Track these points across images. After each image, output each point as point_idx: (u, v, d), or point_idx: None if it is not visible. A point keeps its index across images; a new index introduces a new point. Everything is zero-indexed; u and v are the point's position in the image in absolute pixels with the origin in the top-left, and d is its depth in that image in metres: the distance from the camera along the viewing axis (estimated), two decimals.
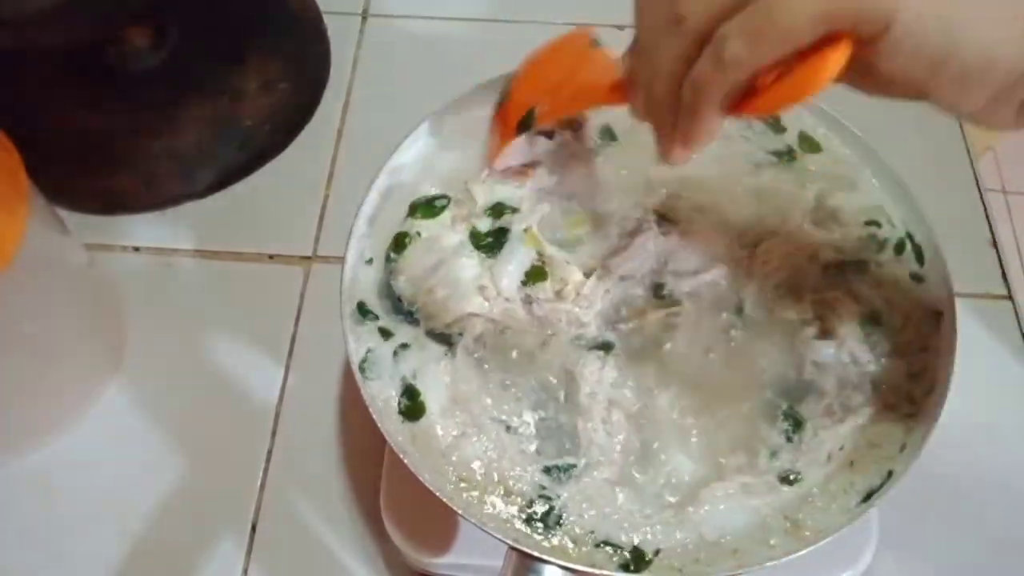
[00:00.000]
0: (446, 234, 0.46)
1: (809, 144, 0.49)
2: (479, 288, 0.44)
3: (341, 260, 0.44)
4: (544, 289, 0.44)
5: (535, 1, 0.74)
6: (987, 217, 0.63)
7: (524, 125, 0.45)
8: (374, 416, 0.40)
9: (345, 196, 0.64)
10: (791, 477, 0.40)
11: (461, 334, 0.43)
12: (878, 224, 0.46)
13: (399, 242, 0.46)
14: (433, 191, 0.47)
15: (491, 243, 0.45)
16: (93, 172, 0.64)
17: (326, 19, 0.72)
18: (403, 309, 0.44)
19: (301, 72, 0.69)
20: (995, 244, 0.62)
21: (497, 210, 0.46)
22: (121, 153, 0.64)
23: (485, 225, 0.46)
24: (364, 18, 0.74)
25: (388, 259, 0.45)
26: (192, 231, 0.63)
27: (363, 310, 0.44)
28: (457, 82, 0.48)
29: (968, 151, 0.66)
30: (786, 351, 0.43)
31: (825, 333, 0.43)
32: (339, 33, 0.72)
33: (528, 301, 0.44)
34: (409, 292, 0.44)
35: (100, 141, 0.65)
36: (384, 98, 0.69)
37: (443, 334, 0.43)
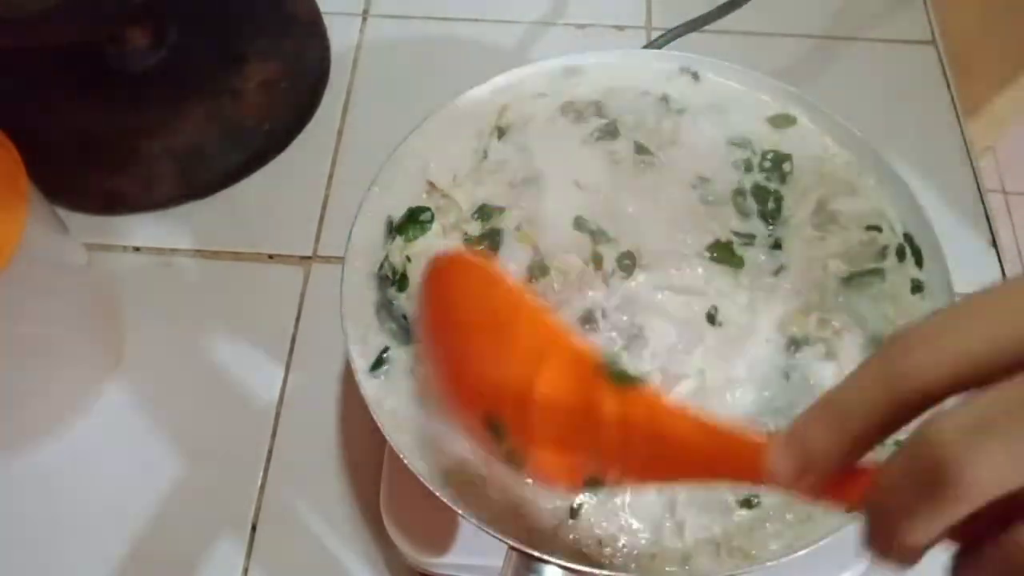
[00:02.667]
0: (439, 244, 0.45)
1: (784, 119, 0.48)
2: None
3: (341, 260, 0.44)
4: (550, 283, 0.43)
5: (536, 2, 0.74)
6: (987, 217, 0.63)
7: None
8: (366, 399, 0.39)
9: (345, 196, 0.64)
10: (752, 501, 0.39)
11: None
12: (879, 229, 0.45)
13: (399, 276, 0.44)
14: (415, 203, 0.46)
15: (487, 247, 0.44)
16: (93, 172, 0.64)
17: (326, 19, 0.72)
18: (407, 327, 0.42)
19: (301, 72, 0.69)
20: (995, 245, 0.62)
21: (484, 212, 0.46)
22: (121, 153, 0.64)
23: (476, 229, 0.45)
24: (364, 18, 0.74)
25: (387, 281, 0.44)
26: (192, 231, 0.63)
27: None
28: (457, 82, 0.48)
29: (968, 151, 0.66)
30: (779, 370, 0.42)
31: (826, 353, 0.42)
32: (339, 33, 0.72)
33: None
34: (411, 309, 0.43)
35: (100, 141, 0.64)
36: (384, 98, 0.69)
37: None
